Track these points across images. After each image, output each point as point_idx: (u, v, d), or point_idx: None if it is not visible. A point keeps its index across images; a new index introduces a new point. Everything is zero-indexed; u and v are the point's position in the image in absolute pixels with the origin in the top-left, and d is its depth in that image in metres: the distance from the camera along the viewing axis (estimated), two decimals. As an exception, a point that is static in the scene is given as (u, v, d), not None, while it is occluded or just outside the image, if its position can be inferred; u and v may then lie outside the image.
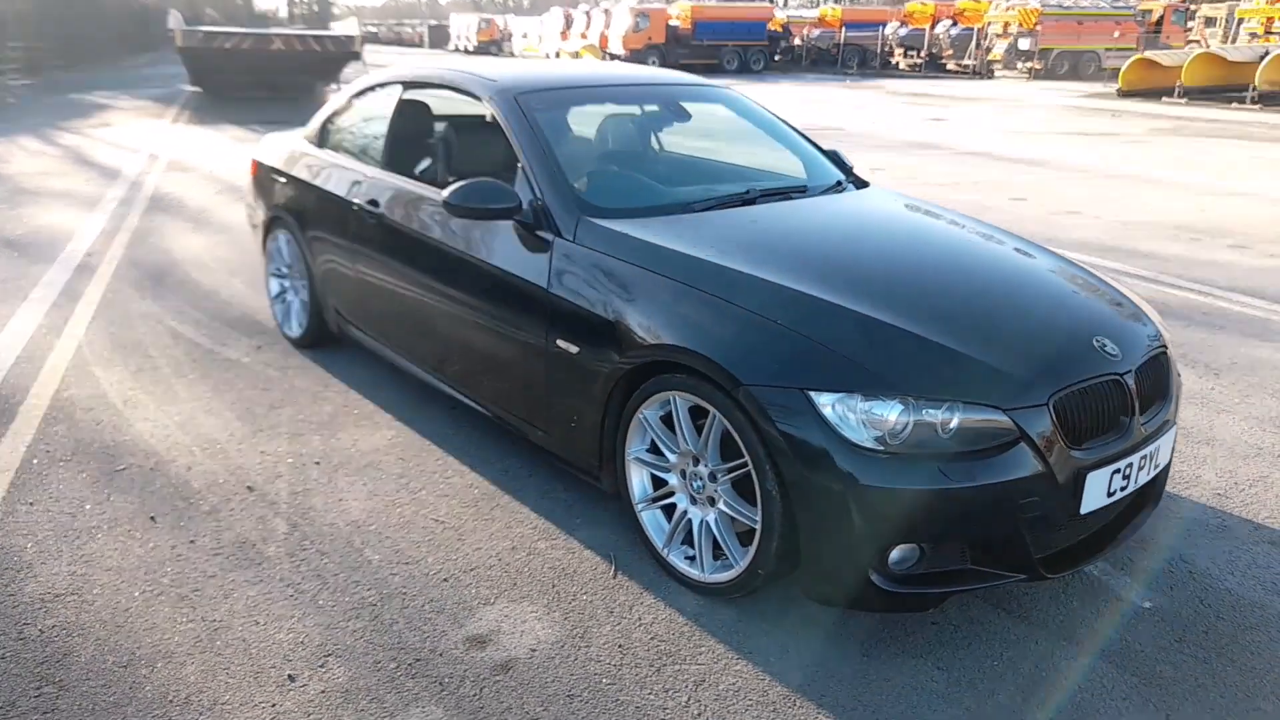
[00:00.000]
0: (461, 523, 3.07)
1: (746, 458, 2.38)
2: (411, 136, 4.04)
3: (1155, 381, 2.62)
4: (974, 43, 34.17)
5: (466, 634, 2.49)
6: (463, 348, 3.42)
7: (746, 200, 3.28)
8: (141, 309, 5.34)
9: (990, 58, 33.63)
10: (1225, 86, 22.57)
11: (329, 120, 4.53)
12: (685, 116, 3.92)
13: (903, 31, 38.16)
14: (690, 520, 2.66)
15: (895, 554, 2.25)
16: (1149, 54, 24.63)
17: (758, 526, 2.40)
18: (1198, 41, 34.63)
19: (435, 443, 3.66)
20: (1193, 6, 36.81)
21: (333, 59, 18.04)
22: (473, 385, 3.44)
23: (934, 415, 2.22)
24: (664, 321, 2.58)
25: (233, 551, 2.88)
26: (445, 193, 3.11)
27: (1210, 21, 36.45)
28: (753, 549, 2.44)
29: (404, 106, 4.03)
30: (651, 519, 2.79)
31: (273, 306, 4.93)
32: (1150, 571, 2.80)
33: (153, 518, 3.08)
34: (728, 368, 2.37)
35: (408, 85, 4.06)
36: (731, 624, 2.53)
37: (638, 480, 2.80)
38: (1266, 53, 21.45)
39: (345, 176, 4.11)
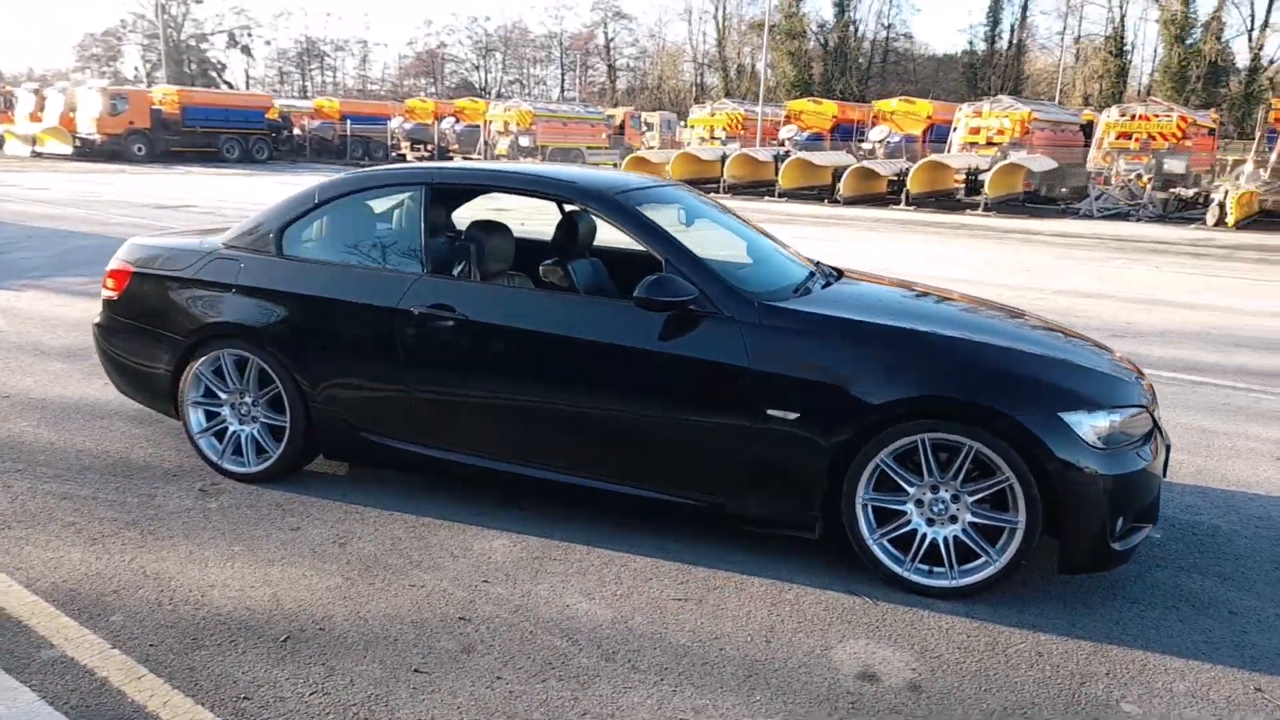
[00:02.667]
0: (701, 596, 3.26)
1: (1008, 474, 3.13)
2: (451, 238, 3.98)
3: None
4: (482, 139, 37.03)
5: (853, 673, 2.83)
6: (620, 438, 3.56)
7: (807, 286, 3.95)
8: (-44, 473, 4.10)
9: (497, 152, 36.73)
10: (701, 179, 27.85)
11: (288, 227, 4.11)
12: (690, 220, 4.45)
13: (408, 126, 39.87)
14: (933, 539, 3.29)
15: (1119, 523, 3.19)
16: (641, 153, 29.36)
17: (1020, 528, 3.16)
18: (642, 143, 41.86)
19: (559, 539, 3.66)
20: (644, 114, 44.45)
21: None
22: (634, 473, 3.58)
23: (1117, 418, 3.22)
24: (907, 378, 3.21)
25: (553, 673, 2.76)
26: (638, 290, 3.36)
27: (650, 125, 44.47)
28: (1013, 547, 3.18)
29: (437, 209, 3.97)
30: (881, 549, 3.35)
31: (199, 441, 4.20)
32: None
33: (417, 670, 2.75)
34: (995, 407, 3.11)
35: (435, 188, 3.99)
36: (996, 612, 3.22)
37: (864, 519, 3.34)
38: (725, 155, 27.08)
39: (370, 284, 3.86)
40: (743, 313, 3.43)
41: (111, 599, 3.10)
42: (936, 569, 3.30)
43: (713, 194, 26.42)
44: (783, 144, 30.53)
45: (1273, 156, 22.05)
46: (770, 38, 61.22)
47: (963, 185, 24.24)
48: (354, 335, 3.86)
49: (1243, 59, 51.99)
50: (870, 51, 62.05)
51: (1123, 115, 24.91)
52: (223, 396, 4.16)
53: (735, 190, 26.17)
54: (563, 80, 78.78)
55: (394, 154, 39.80)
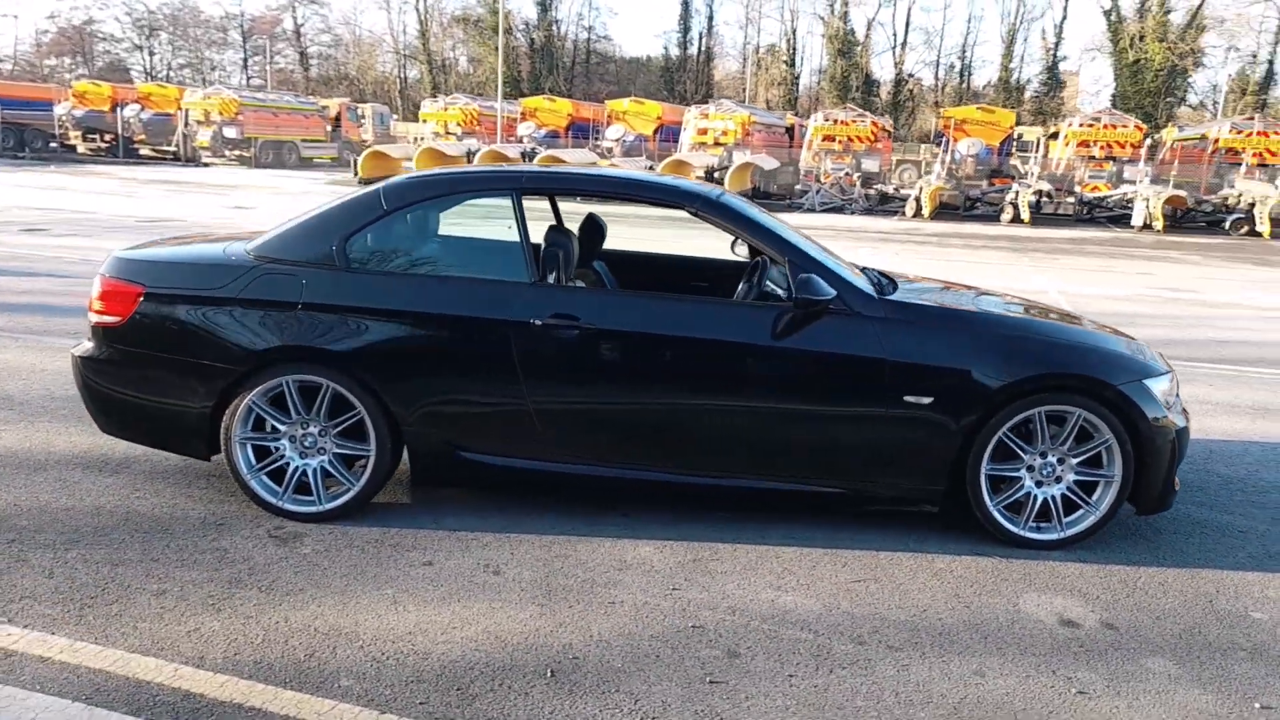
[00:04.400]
0: (873, 576, 3.49)
1: (1108, 436, 3.67)
2: (552, 244, 3.83)
3: None
4: (180, 129, 33.40)
5: (1055, 622, 3.21)
6: (757, 435, 3.66)
7: (890, 285, 4.24)
8: (-62, 551, 3.28)
9: (197, 144, 33.33)
10: (443, 176, 27.23)
11: (353, 237, 3.72)
12: None
13: (79, 113, 34.91)
14: (1041, 499, 3.76)
15: (1177, 469, 3.86)
16: (380, 147, 28.10)
17: (1116, 480, 3.71)
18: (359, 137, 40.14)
19: (696, 540, 3.69)
20: (359, 106, 42.42)
21: None
22: (770, 467, 3.70)
23: (1168, 382, 3.87)
24: (1026, 360, 3.63)
25: (832, 663, 2.87)
26: (795, 291, 3.50)
27: (363, 116, 42.68)
28: (1110, 497, 3.73)
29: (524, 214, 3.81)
30: (999, 513, 3.76)
31: (250, 482, 3.68)
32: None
33: (712, 681, 2.73)
34: (1103, 378, 3.63)
35: (524, 192, 3.81)
36: (1097, 555, 3.75)
37: (986, 488, 3.74)
38: (470, 151, 26.80)
39: (475, 296, 3.64)
40: (869, 308, 3.68)
41: (313, 663, 2.72)
42: (1043, 524, 3.79)
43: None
44: (521, 140, 30.69)
45: (948, 158, 25.89)
46: (475, 32, 60.96)
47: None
48: (460, 351, 3.62)
49: (889, 72, 59.97)
50: (573, 51, 63.73)
51: (827, 120, 27.93)
52: (281, 429, 3.69)
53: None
54: (246, 66, 72.56)
55: (58, 144, 34.61)
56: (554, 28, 60.44)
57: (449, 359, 3.63)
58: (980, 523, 3.77)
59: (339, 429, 3.68)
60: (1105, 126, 26.02)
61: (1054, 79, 56.51)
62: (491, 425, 3.68)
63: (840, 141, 27.17)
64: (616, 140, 29.64)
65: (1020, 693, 2.77)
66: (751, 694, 2.69)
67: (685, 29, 61.28)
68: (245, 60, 72.14)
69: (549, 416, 3.66)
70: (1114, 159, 25.70)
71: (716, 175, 25.01)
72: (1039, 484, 3.78)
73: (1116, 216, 23.72)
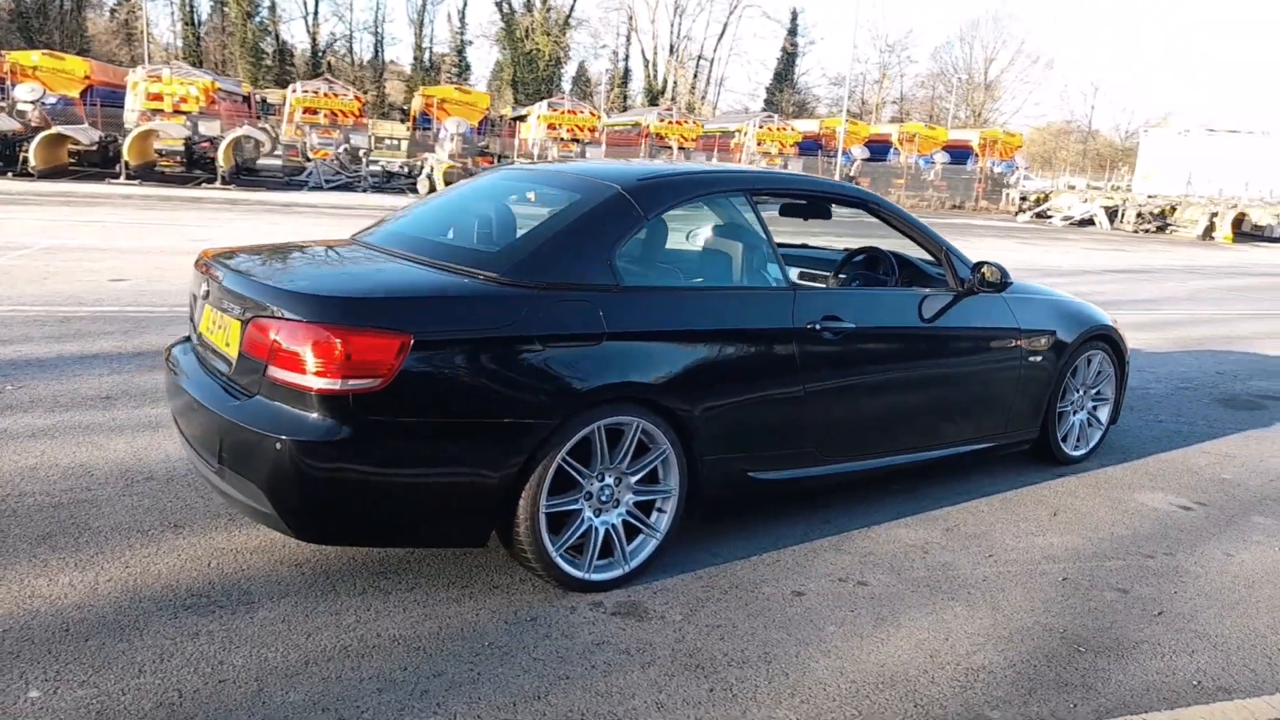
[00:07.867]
0: (1051, 513, 4.12)
1: (1111, 370, 4.82)
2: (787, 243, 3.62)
3: None
4: None
5: (1176, 507, 4.22)
6: (960, 406, 4.05)
7: None
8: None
9: None
10: None
11: (618, 245, 3.08)
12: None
13: None
14: (1078, 424, 4.78)
15: (1115, 388, 5.20)
16: None
17: (1112, 401, 4.89)
18: None
19: (911, 516, 3.92)
20: None
21: None
22: (956, 435, 4.10)
23: None
24: (1077, 321, 4.58)
25: (1171, 584, 3.49)
26: (999, 279, 3.95)
27: None
28: (1106, 415, 4.89)
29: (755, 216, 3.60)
30: (1062, 440, 4.68)
31: (557, 557, 2.88)
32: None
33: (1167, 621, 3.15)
34: (1111, 325, 4.75)
35: (756, 194, 3.58)
36: (1106, 462, 4.90)
37: (1058, 423, 4.63)
38: None
39: (758, 306, 3.40)
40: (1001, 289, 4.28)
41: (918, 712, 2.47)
42: (1078, 444, 4.83)
43: None
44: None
45: (444, 136, 26.40)
46: None
47: (183, 158, 22.40)
48: (756, 367, 3.33)
49: (304, 42, 57.79)
50: None
51: (307, 92, 26.37)
52: (582, 484, 2.95)
53: None
54: None
55: None
56: None
57: (746, 377, 3.29)
58: (1051, 449, 4.66)
59: (639, 474, 3.08)
60: (568, 112, 29.06)
61: (464, 62, 60.27)
62: (776, 440, 3.43)
63: (326, 115, 25.85)
64: (33, 102, 23.92)
65: (1263, 559, 3.72)
66: (1187, 613, 3.18)
67: (43, -31, 51.02)
68: None
69: (820, 419, 3.55)
70: (578, 140, 28.88)
71: (202, 146, 21.95)
72: (1075, 413, 4.81)
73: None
